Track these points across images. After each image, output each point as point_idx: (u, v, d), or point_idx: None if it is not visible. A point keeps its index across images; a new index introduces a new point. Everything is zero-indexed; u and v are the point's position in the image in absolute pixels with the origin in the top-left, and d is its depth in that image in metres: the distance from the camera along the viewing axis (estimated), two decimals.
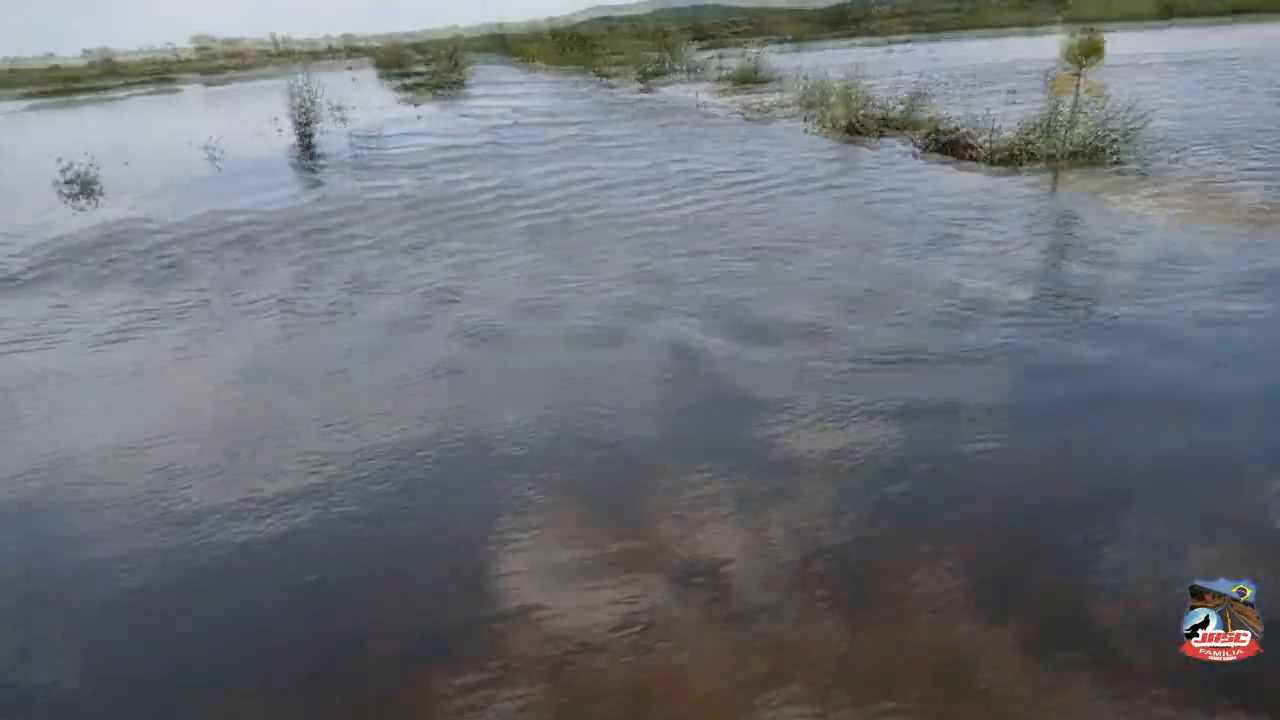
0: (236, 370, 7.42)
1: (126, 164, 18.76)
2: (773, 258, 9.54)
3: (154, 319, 8.97)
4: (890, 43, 42.28)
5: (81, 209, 15.11)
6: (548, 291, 8.90)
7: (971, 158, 14.31)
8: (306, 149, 21.00)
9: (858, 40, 49.39)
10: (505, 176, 15.25)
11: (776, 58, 35.66)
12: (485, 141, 19.93)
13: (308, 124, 22.58)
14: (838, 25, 55.78)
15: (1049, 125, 13.91)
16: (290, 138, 22.31)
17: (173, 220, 13.38)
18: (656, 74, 35.81)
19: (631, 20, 70.33)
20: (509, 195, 13.81)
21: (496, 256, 10.41)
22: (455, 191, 14.38)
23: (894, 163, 14.57)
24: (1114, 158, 13.33)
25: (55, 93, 55.16)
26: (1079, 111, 13.50)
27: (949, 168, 13.91)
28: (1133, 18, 47.99)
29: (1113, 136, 13.57)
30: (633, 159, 16.20)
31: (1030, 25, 49.98)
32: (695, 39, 48.69)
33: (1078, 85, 13.34)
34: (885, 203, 11.90)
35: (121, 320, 8.97)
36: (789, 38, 52.09)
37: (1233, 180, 11.62)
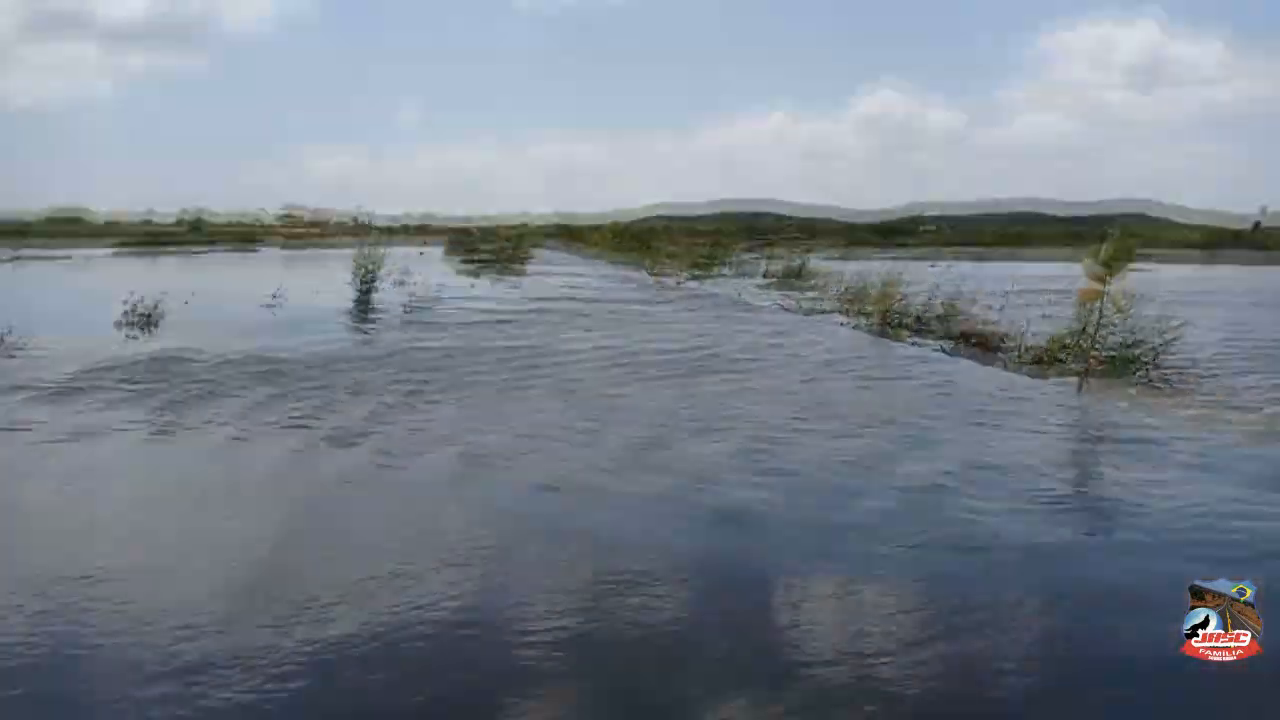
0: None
1: (186, 303, 19.64)
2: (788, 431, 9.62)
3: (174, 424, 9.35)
4: (935, 261, 43.18)
5: (135, 339, 15.83)
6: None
7: (1001, 355, 14.51)
8: (364, 307, 22.01)
9: (904, 254, 50.90)
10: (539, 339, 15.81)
11: (822, 263, 36.86)
12: (529, 310, 20.74)
13: (368, 287, 23.84)
14: (887, 236, 58.45)
15: (1081, 332, 13.91)
16: (350, 297, 23.39)
17: (215, 353, 13.80)
18: (706, 268, 37.27)
19: (692, 220, 74.63)
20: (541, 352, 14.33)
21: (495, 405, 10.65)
22: (488, 348, 14.91)
23: (925, 358, 14.84)
24: (1143, 370, 13.16)
25: (141, 244, 59.43)
26: (1107, 323, 13.42)
27: (976, 364, 14.09)
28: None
29: (1141, 354, 13.40)
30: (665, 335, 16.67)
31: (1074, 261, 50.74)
32: (751, 236, 50.80)
33: (1103, 296, 13.30)
34: (904, 379, 12.03)
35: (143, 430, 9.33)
36: (837, 246, 53.61)
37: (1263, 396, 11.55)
